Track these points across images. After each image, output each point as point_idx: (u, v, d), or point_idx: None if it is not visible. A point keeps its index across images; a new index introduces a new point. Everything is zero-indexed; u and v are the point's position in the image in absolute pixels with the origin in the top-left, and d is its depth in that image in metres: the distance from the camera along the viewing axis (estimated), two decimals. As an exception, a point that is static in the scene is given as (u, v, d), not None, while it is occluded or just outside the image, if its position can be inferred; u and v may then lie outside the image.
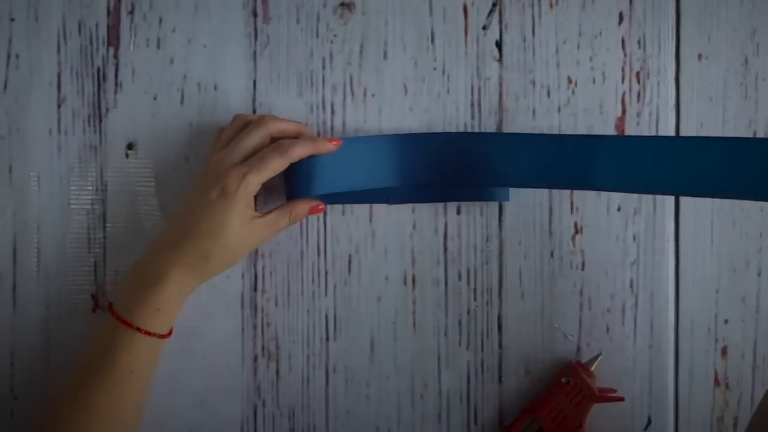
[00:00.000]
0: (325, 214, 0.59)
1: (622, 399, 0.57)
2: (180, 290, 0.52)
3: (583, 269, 0.59)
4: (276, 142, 0.54)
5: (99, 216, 0.59)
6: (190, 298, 0.59)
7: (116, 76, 0.59)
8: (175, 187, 0.59)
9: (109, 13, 0.59)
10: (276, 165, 0.53)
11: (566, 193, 0.59)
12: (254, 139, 0.54)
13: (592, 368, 0.58)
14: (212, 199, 0.52)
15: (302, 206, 0.56)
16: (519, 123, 0.59)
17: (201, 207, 0.52)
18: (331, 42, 0.59)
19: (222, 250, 0.52)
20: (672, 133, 0.59)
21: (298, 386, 0.59)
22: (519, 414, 0.57)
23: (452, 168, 0.55)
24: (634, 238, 0.59)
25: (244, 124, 0.55)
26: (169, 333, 0.54)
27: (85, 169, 0.59)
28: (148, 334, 0.51)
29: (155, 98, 0.59)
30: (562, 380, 0.57)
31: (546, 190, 0.59)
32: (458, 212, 0.59)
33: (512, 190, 0.59)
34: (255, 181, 0.52)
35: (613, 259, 0.59)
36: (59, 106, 0.59)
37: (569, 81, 0.59)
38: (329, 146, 0.55)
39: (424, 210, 0.59)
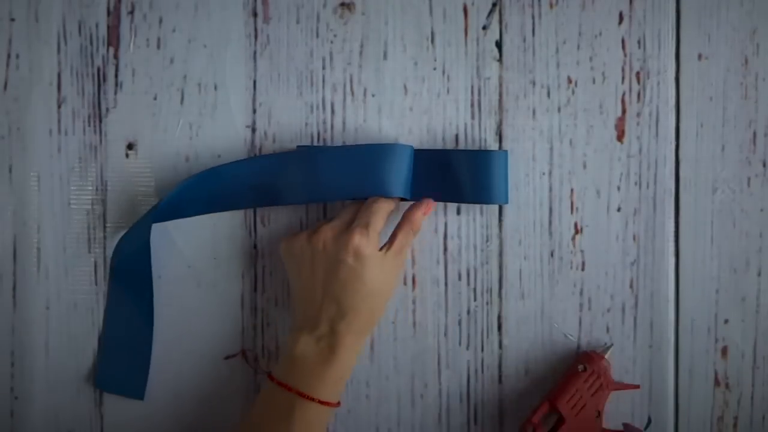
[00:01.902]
0: (326, 214, 0.59)
1: (638, 387, 0.57)
2: (357, 354, 0.54)
3: (583, 269, 0.59)
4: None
5: (99, 216, 0.59)
6: (191, 300, 0.59)
7: (116, 76, 0.59)
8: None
9: (109, 13, 0.59)
10: (385, 212, 0.55)
11: (566, 192, 0.59)
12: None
13: (606, 356, 0.58)
14: (350, 263, 0.53)
15: (418, 215, 0.56)
16: (519, 123, 0.59)
17: (340, 275, 0.53)
18: (331, 42, 0.59)
19: (379, 300, 0.55)
20: (672, 132, 0.59)
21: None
22: (538, 404, 0.57)
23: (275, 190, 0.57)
24: (634, 238, 0.59)
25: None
26: (338, 403, 0.54)
27: (85, 169, 0.59)
28: (327, 404, 0.52)
29: (155, 98, 0.59)
30: (578, 368, 0.56)
31: (547, 190, 0.59)
32: (458, 212, 0.59)
33: (512, 191, 0.59)
34: (377, 230, 0.54)
35: (613, 259, 0.59)
36: (59, 106, 0.59)
37: (569, 81, 0.59)
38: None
39: (424, 210, 0.59)
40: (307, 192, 0.57)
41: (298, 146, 0.58)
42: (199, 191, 0.57)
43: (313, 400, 0.52)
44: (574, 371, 0.57)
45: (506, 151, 0.58)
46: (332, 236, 0.54)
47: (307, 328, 0.53)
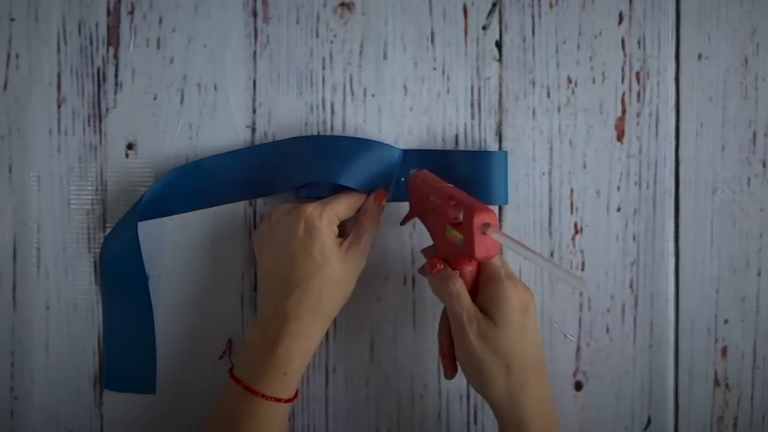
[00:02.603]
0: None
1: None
2: (305, 345, 0.51)
3: (583, 269, 0.59)
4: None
5: (99, 216, 0.59)
6: (191, 300, 0.59)
7: (116, 76, 0.59)
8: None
9: (109, 13, 0.59)
10: (350, 201, 0.54)
11: (566, 193, 0.59)
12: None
13: None
14: (300, 235, 0.51)
15: (370, 204, 0.55)
16: (519, 123, 0.59)
17: (291, 247, 0.52)
18: (331, 42, 0.59)
19: (330, 282, 0.52)
20: (672, 132, 0.59)
21: (298, 386, 0.59)
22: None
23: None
24: (634, 238, 0.59)
25: None
26: (296, 395, 0.53)
27: (85, 169, 0.59)
28: (276, 400, 0.51)
29: (155, 98, 0.59)
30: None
31: (546, 189, 0.59)
32: (458, 212, 0.59)
33: (512, 191, 0.59)
34: (334, 211, 0.53)
35: (613, 259, 0.59)
36: (59, 106, 0.59)
37: (569, 81, 0.59)
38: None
39: (424, 210, 0.59)
40: (288, 180, 0.57)
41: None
42: (182, 186, 0.57)
43: (256, 394, 0.50)
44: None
45: (506, 152, 0.58)
46: (287, 210, 0.53)
47: (261, 314, 0.53)
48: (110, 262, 0.58)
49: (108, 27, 0.59)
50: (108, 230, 0.59)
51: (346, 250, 0.53)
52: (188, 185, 0.58)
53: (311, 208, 0.52)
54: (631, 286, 0.59)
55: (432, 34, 0.59)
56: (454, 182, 0.55)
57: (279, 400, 0.51)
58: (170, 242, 0.59)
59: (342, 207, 0.54)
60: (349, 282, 0.53)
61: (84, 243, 0.59)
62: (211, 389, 0.59)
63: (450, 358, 0.54)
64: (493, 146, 0.59)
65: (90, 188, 0.59)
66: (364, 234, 0.54)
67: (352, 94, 0.59)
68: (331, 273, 0.52)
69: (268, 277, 0.53)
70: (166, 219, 0.59)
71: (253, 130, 0.59)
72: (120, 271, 0.58)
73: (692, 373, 0.59)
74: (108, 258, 0.58)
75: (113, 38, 0.59)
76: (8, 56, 0.59)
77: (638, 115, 0.59)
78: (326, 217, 0.52)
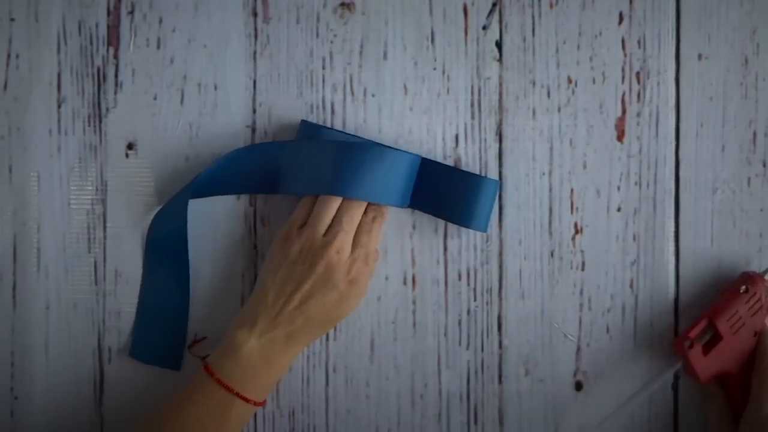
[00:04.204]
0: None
1: None
2: (294, 358, 0.55)
3: (583, 269, 0.59)
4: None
5: (99, 216, 0.59)
6: (191, 300, 0.59)
7: (116, 76, 0.59)
8: (175, 187, 0.59)
9: (109, 13, 0.59)
10: (375, 232, 0.56)
11: (566, 193, 0.59)
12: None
13: (767, 278, 0.57)
14: (342, 289, 0.54)
15: (374, 234, 0.56)
16: (519, 123, 0.59)
17: (329, 299, 0.53)
18: (331, 42, 0.59)
19: (342, 311, 0.55)
20: (672, 132, 0.59)
21: (298, 386, 0.59)
22: (696, 319, 0.57)
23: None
24: (634, 238, 0.59)
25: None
26: (264, 401, 0.54)
27: (85, 169, 0.59)
28: (259, 404, 0.53)
29: (155, 98, 0.59)
30: (740, 289, 0.56)
31: (546, 190, 0.59)
32: (458, 212, 0.59)
33: (512, 191, 0.59)
34: (349, 237, 0.54)
35: (613, 259, 0.59)
36: (59, 106, 0.59)
37: (569, 81, 0.59)
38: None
39: (424, 210, 0.59)
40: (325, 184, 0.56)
41: (302, 120, 0.58)
42: (237, 168, 0.57)
43: (248, 401, 0.52)
44: (736, 292, 0.56)
45: (496, 181, 0.58)
46: (335, 251, 0.54)
47: (260, 329, 0.53)
48: (157, 236, 0.58)
49: (108, 27, 0.59)
50: (108, 230, 0.59)
51: (360, 282, 0.55)
52: (246, 166, 0.57)
53: (361, 264, 0.54)
54: (631, 286, 0.59)
55: (432, 34, 0.59)
56: (438, 196, 0.57)
57: (261, 404, 0.54)
58: (170, 242, 0.59)
59: (353, 228, 0.55)
60: (356, 306, 0.56)
61: (84, 243, 0.59)
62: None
63: None
64: (493, 146, 0.59)
65: (90, 188, 0.59)
66: (374, 259, 0.56)
67: (352, 94, 0.59)
68: (347, 308, 0.55)
69: (280, 296, 0.54)
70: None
71: (253, 130, 0.59)
72: (165, 245, 0.58)
73: (692, 373, 0.59)
74: (156, 231, 0.58)
75: (113, 38, 0.59)
76: (8, 56, 0.59)
77: (638, 115, 0.59)
78: (345, 253, 0.54)
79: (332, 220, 0.55)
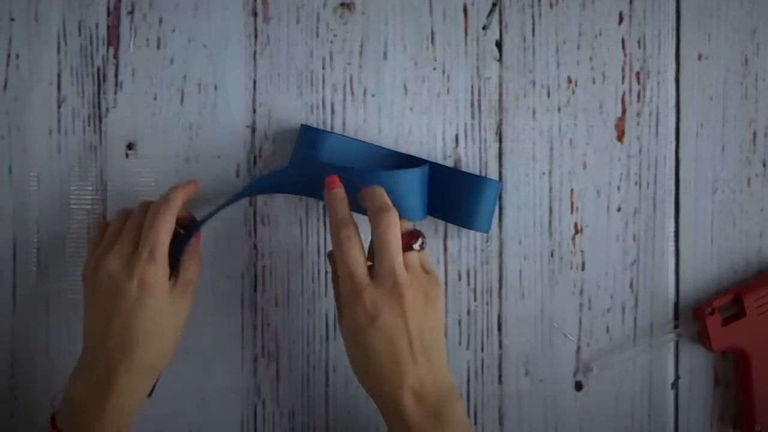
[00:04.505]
0: (325, 214, 0.59)
1: None
2: (134, 401, 0.50)
3: (583, 269, 0.59)
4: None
5: (99, 216, 0.59)
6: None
7: (116, 76, 0.59)
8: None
9: (109, 13, 0.59)
10: (165, 224, 0.51)
11: (566, 193, 0.59)
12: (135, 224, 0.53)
13: None
14: (134, 296, 0.49)
15: (195, 248, 0.54)
16: (519, 123, 0.59)
17: (124, 310, 0.49)
18: (331, 42, 0.59)
19: (168, 343, 0.52)
20: (672, 132, 0.59)
21: (298, 386, 0.59)
22: (724, 292, 0.58)
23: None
24: (634, 238, 0.59)
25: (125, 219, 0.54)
26: None
27: (85, 169, 0.59)
28: None
29: (155, 98, 0.59)
30: None
31: (546, 190, 0.59)
32: (458, 212, 0.59)
33: (512, 191, 0.59)
34: (163, 251, 0.51)
35: (613, 259, 0.59)
36: (59, 106, 0.59)
37: (569, 81, 0.59)
38: (192, 187, 0.54)
39: (424, 210, 0.59)
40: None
41: (302, 125, 0.58)
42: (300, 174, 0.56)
43: None
44: None
45: (498, 182, 0.58)
46: (117, 263, 0.50)
47: (85, 367, 0.50)
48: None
49: (108, 27, 0.59)
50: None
51: (181, 295, 0.52)
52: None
53: (142, 265, 0.49)
54: (631, 286, 0.59)
55: (432, 34, 0.59)
56: (439, 198, 0.56)
57: None
58: (170, 242, 0.59)
59: (166, 241, 0.51)
60: (179, 329, 0.53)
61: (84, 243, 0.59)
62: (210, 389, 0.59)
63: None
64: (493, 146, 0.59)
65: (90, 188, 0.59)
66: (194, 281, 0.53)
67: (352, 94, 0.59)
68: (170, 335, 0.51)
69: (96, 331, 0.50)
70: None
71: (253, 130, 0.59)
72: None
73: (692, 373, 0.59)
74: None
75: (113, 38, 0.59)
76: (8, 56, 0.59)
77: (638, 115, 0.59)
78: (162, 272, 0.50)
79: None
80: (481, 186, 0.57)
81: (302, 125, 0.58)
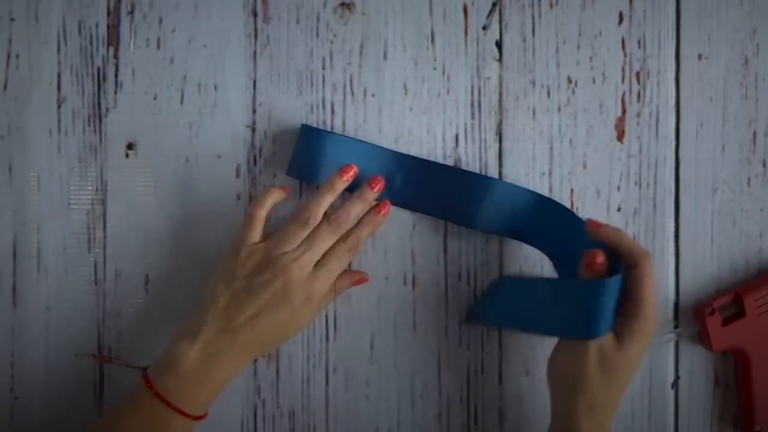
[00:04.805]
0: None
1: None
2: (237, 373, 0.53)
3: (583, 269, 0.59)
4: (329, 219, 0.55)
5: (99, 216, 0.59)
6: (191, 300, 0.59)
7: (116, 76, 0.59)
8: (175, 187, 0.59)
9: (109, 13, 0.59)
10: (344, 261, 0.55)
11: (566, 193, 0.59)
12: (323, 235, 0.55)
13: None
14: (297, 306, 0.53)
15: (346, 279, 0.57)
16: (519, 123, 0.59)
17: (282, 310, 0.52)
18: (331, 42, 0.59)
19: (290, 334, 0.55)
20: (672, 132, 0.59)
21: (298, 386, 0.59)
22: (724, 292, 0.58)
23: (434, 199, 0.57)
24: (634, 238, 0.59)
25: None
26: (206, 414, 0.53)
27: (85, 169, 0.59)
28: (198, 419, 0.52)
29: (155, 98, 0.59)
30: None
31: (547, 190, 0.59)
32: (458, 212, 0.59)
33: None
34: (329, 282, 0.54)
35: (613, 259, 0.59)
36: (59, 106, 0.59)
37: (569, 81, 0.59)
38: (372, 195, 0.56)
39: (424, 210, 0.59)
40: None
41: (302, 125, 0.58)
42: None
43: (187, 416, 0.50)
44: None
45: (619, 278, 0.50)
46: (300, 273, 0.53)
47: (202, 341, 0.51)
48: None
49: (108, 27, 0.59)
50: (108, 230, 0.59)
51: (314, 302, 0.54)
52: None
53: (320, 284, 0.53)
54: (631, 286, 0.59)
55: (432, 34, 0.59)
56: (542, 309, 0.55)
57: (200, 419, 0.52)
58: (170, 242, 0.59)
59: (321, 251, 0.54)
60: (305, 325, 0.56)
61: (84, 243, 0.59)
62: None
63: None
64: (493, 146, 0.59)
65: (90, 188, 0.59)
66: (337, 291, 0.57)
67: (352, 94, 0.59)
68: (299, 326, 0.55)
69: (227, 299, 0.52)
70: (166, 219, 0.59)
71: (253, 130, 0.59)
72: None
73: (692, 373, 0.59)
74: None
75: (113, 38, 0.59)
76: (8, 56, 0.59)
77: (638, 115, 0.59)
78: (306, 271, 0.53)
79: (303, 240, 0.54)
80: (597, 289, 0.50)
81: (303, 125, 0.58)
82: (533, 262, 0.59)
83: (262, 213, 0.55)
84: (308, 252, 0.53)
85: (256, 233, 0.55)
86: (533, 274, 0.59)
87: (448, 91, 0.59)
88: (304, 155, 0.57)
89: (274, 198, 0.56)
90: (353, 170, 0.56)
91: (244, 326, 0.52)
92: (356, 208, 0.55)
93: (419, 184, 0.57)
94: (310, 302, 0.53)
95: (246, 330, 0.52)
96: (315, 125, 0.59)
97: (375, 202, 0.56)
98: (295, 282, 0.52)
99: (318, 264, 0.54)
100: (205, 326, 0.52)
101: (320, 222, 0.54)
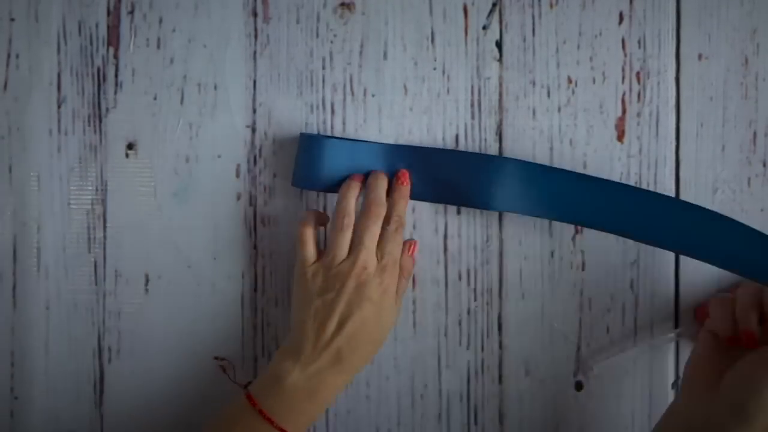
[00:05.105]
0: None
1: None
2: (338, 392, 0.53)
3: (583, 269, 0.59)
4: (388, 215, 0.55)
5: (99, 216, 0.59)
6: (191, 300, 0.59)
7: (116, 76, 0.59)
8: (175, 187, 0.59)
9: (109, 13, 0.59)
10: (399, 241, 0.55)
11: (566, 193, 0.59)
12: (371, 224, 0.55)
13: None
14: (377, 302, 0.53)
15: (405, 257, 0.56)
16: (519, 123, 0.59)
17: (365, 311, 0.52)
18: (331, 42, 0.59)
19: (378, 347, 0.55)
20: (672, 132, 0.59)
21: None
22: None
23: (440, 185, 0.57)
24: (634, 239, 0.59)
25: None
26: None
27: (85, 169, 0.59)
28: None
29: (155, 98, 0.59)
30: None
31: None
32: (458, 212, 0.59)
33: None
34: (395, 267, 0.54)
35: (613, 259, 0.59)
36: (59, 106, 0.59)
37: (569, 81, 0.59)
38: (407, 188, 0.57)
39: (424, 210, 0.59)
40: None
41: (301, 133, 0.58)
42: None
43: (278, 428, 0.51)
44: None
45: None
46: (362, 267, 0.53)
47: (304, 359, 0.52)
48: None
49: (108, 27, 0.59)
50: (108, 230, 0.59)
51: (391, 291, 0.54)
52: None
53: (389, 273, 0.54)
54: (631, 286, 0.59)
55: (432, 34, 0.59)
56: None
57: None
58: (170, 242, 0.59)
59: (374, 242, 0.54)
60: (394, 318, 0.56)
61: (84, 243, 0.59)
62: (211, 389, 0.59)
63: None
64: (493, 146, 0.59)
65: (90, 188, 0.59)
66: (408, 270, 0.57)
67: (352, 94, 0.59)
68: (384, 337, 0.55)
69: (312, 320, 0.53)
70: (166, 219, 0.59)
71: (253, 130, 0.59)
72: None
73: (692, 373, 0.59)
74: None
75: (113, 38, 0.59)
76: (8, 56, 0.59)
77: (638, 115, 0.59)
78: (372, 266, 0.53)
79: (351, 242, 0.54)
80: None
81: (301, 134, 0.58)
82: (533, 261, 0.59)
83: (308, 230, 0.55)
84: (363, 251, 0.53)
85: (311, 252, 0.55)
86: (533, 274, 0.59)
87: (448, 91, 0.59)
88: (306, 164, 0.57)
89: (314, 215, 0.56)
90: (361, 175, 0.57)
91: (334, 338, 0.52)
92: (381, 189, 0.55)
93: (431, 173, 0.57)
94: (388, 294, 0.53)
95: (338, 341, 0.52)
96: (315, 125, 0.59)
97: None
98: (366, 281, 0.53)
99: (379, 254, 0.54)
100: (303, 346, 0.52)
101: (358, 218, 0.55)
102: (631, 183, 0.59)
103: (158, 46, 0.59)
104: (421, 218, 0.59)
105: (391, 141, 0.59)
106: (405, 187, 0.56)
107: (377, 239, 0.54)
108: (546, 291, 0.59)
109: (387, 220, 0.55)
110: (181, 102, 0.59)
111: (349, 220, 0.54)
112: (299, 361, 0.52)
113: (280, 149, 0.59)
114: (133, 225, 0.59)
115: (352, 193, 0.55)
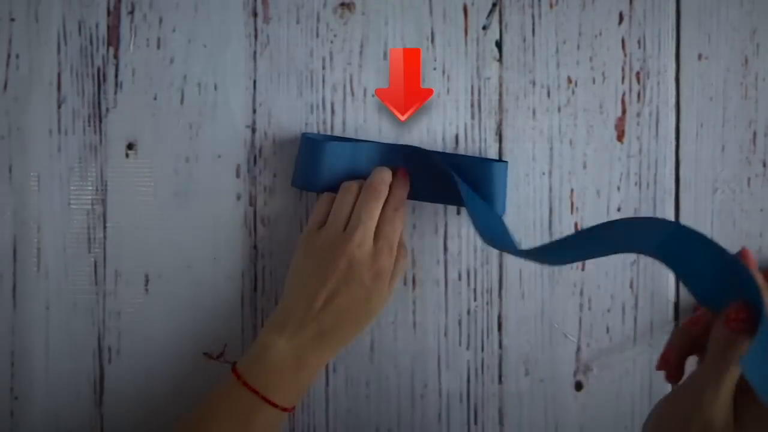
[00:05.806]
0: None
1: None
2: (323, 366, 0.54)
3: (583, 269, 0.59)
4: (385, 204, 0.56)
5: (99, 216, 0.59)
6: (191, 300, 0.59)
7: (116, 76, 0.59)
8: (175, 187, 0.59)
9: (109, 13, 0.59)
10: (397, 224, 0.55)
11: (566, 192, 0.59)
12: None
13: None
14: (368, 285, 0.53)
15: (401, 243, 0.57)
16: (519, 123, 0.59)
17: (354, 290, 0.52)
18: (331, 42, 0.59)
19: (367, 325, 0.55)
20: (672, 132, 0.59)
21: (298, 386, 0.59)
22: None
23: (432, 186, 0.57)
24: (634, 238, 0.59)
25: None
26: (293, 407, 0.53)
27: (85, 169, 0.59)
28: (286, 410, 0.52)
29: (155, 98, 0.59)
30: None
31: (546, 189, 0.59)
32: (458, 212, 0.59)
33: (512, 190, 0.59)
34: (391, 251, 0.54)
35: (613, 259, 0.59)
36: (59, 106, 0.59)
37: (569, 81, 0.59)
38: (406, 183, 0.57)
39: (424, 210, 0.59)
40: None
41: (303, 133, 0.58)
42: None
43: (276, 406, 0.51)
44: None
45: (505, 162, 0.58)
46: (356, 245, 0.53)
47: (289, 331, 0.52)
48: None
49: (108, 27, 0.59)
50: (108, 230, 0.59)
51: (383, 276, 0.54)
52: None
53: (384, 258, 0.53)
54: (631, 286, 0.59)
55: (432, 34, 0.59)
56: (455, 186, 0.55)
57: (289, 410, 0.52)
58: (170, 242, 0.59)
59: (373, 221, 0.54)
60: (384, 303, 0.55)
61: (84, 243, 0.59)
62: (211, 389, 0.59)
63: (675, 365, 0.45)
64: (493, 146, 0.59)
65: (90, 188, 0.59)
66: (403, 255, 0.56)
67: (352, 94, 0.59)
68: (374, 316, 0.54)
69: (314, 301, 0.53)
70: (166, 219, 0.59)
71: (253, 130, 0.59)
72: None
73: (692, 373, 0.59)
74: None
75: (113, 38, 0.59)
76: (8, 56, 0.59)
77: (638, 115, 0.59)
78: (367, 245, 0.53)
79: (351, 216, 0.54)
80: (490, 170, 0.57)
81: (303, 134, 0.58)
82: (533, 263, 0.59)
83: (329, 198, 0.56)
84: (360, 227, 0.53)
85: (318, 218, 0.56)
86: (533, 274, 0.59)
87: (448, 91, 0.59)
88: (306, 165, 0.57)
89: (357, 185, 0.56)
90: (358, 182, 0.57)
91: (322, 312, 0.52)
92: (384, 173, 0.56)
93: (431, 173, 0.57)
94: (380, 278, 0.53)
95: (325, 316, 0.52)
96: (315, 125, 0.59)
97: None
98: (358, 261, 0.53)
99: (376, 236, 0.54)
100: (289, 319, 0.52)
101: (359, 196, 0.55)
102: (631, 183, 0.59)
103: (158, 46, 0.59)
104: (421, 218, 0.59)
105: (391, 141, 0.59)
106: (404, 179, 0.57)
107: (376, 220, 0.54)
108: (546, 291, 0.59)
109: (386, 202, 0.55)
110: (181, 102, 0.59)
111: (351, 197, 0.55)
112: (283, 333, 0.52)
113: (280, 149, 0.59)
114: (133, 225, 0.59)
115: (354, 187, 0.56)
